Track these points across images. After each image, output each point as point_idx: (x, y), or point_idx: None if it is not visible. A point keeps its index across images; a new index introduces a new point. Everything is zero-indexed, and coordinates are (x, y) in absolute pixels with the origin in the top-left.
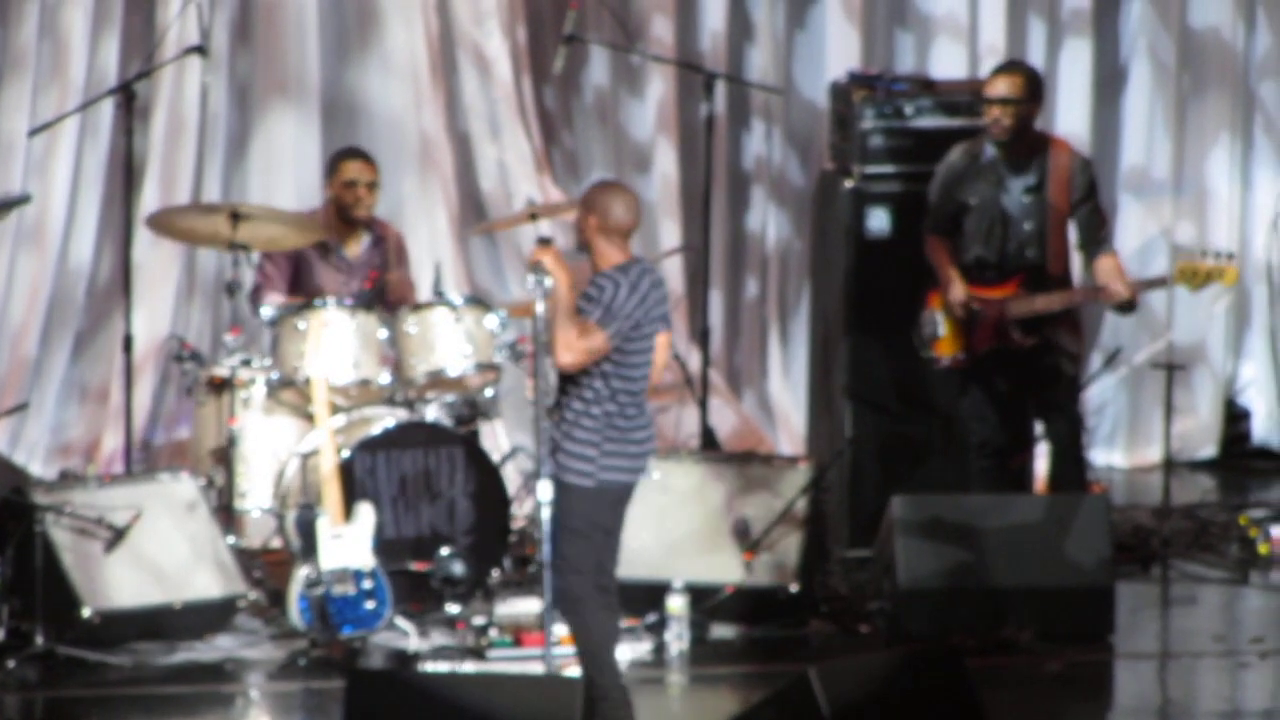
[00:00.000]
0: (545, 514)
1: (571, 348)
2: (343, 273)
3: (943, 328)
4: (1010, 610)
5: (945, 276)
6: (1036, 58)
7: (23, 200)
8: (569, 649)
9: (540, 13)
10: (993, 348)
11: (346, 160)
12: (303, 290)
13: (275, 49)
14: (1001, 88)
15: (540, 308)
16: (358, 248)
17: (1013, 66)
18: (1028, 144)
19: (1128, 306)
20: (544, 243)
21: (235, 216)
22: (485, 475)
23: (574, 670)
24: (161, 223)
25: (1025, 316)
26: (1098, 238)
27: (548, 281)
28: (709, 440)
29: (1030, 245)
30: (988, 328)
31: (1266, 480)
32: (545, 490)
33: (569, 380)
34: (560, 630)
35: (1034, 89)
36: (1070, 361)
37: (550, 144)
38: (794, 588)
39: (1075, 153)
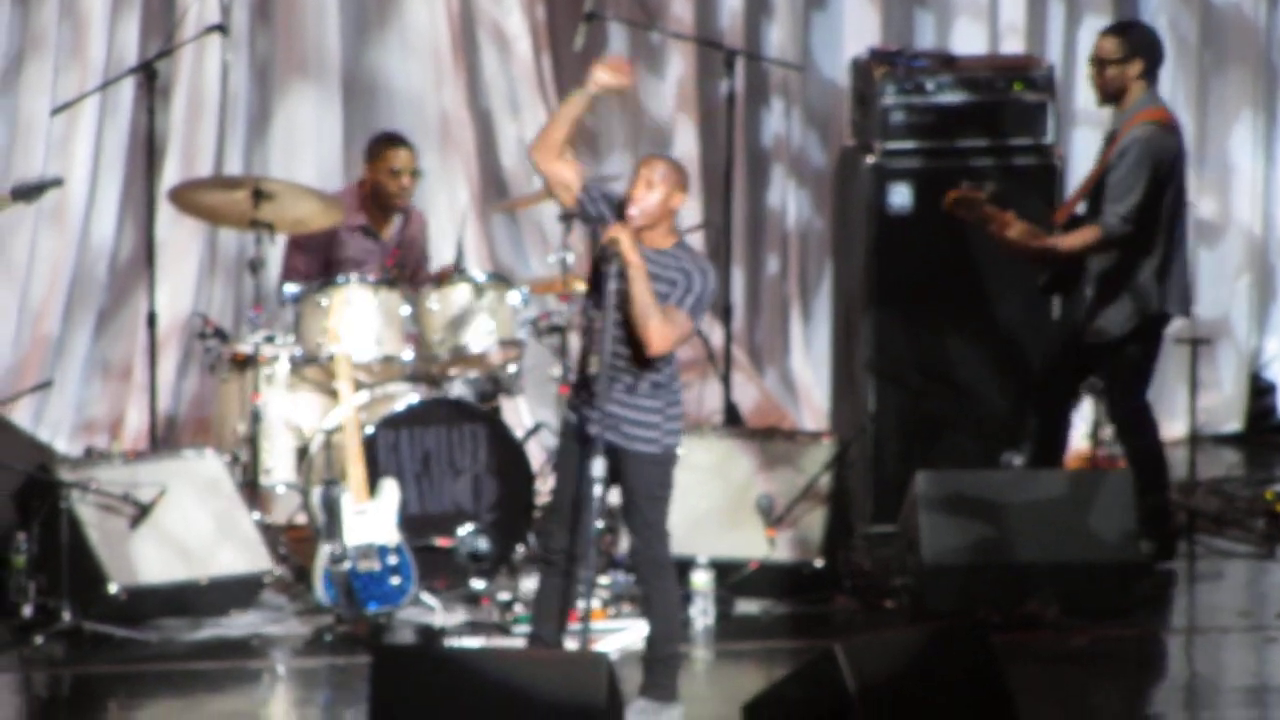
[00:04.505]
0: (597, 490)
1: (668, 340)
2: (376, 254)
3: None
4: (1035, 585)
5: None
6: (1056, 36)
7: (54, 183)
8: (595, 625)
9: None
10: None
11: (392, 148)
12: (338, 268)
13: (295, 27)
14: (1099, 48)
15: (612, 285)
16: (390, 229)
17: (1114, 27)
18: (1124, 107)
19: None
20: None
21: (258, 194)
22: (508, 451)
23: (604, 645)
24: (185, 199)
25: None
26: (1099, 208)
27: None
28: (732, 416)
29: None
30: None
31: None
32: (599, 467)
33: (631, 355)
34: (587, 605)
35: (1130, 49)
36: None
37: None
38: (818, 563)
39: (1147, 124)
